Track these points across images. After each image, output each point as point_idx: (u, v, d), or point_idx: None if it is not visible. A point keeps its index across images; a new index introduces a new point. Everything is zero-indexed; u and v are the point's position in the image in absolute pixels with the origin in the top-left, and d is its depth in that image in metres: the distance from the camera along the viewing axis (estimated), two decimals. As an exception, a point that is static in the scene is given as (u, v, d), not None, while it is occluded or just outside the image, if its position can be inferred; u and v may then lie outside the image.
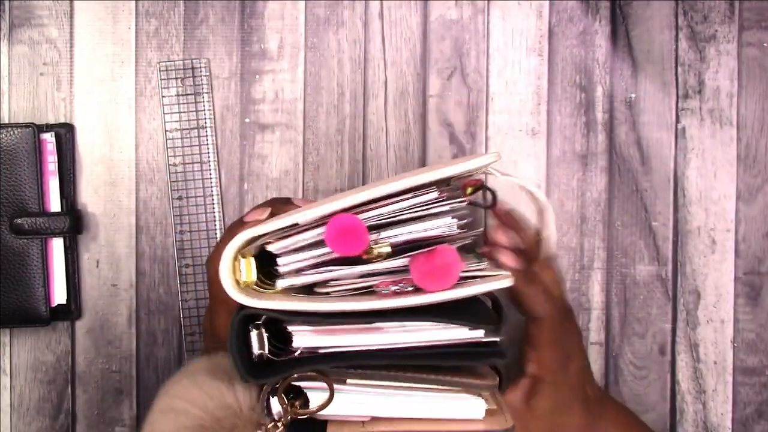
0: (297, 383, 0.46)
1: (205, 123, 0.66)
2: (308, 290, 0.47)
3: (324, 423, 0.47)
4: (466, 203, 0.48)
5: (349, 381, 0.46)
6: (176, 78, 0.66)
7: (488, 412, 0.47)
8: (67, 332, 0.66)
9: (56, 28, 0.66)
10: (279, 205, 0.52)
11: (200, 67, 0.66)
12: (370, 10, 0.66)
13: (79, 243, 0.66)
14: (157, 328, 0.66)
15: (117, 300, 0.66)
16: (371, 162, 0.66)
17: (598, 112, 0.66)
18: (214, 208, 0.65)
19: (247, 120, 0.66)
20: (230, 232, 0.51)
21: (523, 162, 0.66)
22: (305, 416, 0.45)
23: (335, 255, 0.45)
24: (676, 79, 0.66)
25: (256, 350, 0.45)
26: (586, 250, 0.66)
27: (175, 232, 0.65)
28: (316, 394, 0.46)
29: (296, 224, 0.45)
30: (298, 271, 0.46)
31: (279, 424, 0.44)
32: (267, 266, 0.47)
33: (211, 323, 0.54)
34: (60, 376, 0.66)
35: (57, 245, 0.64)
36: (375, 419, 0.47)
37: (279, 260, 0.46)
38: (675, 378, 0.66)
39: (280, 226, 0.45)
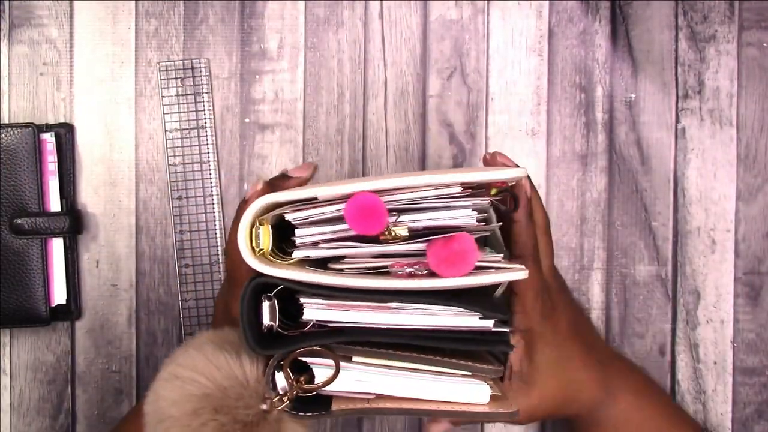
0: (303, 359, 0.46)
1: (205, 123, 0.66)
2: (322, 265, 0.47)
3: (329, 399, 0.47)
4: (488, 203, 0.48)
5: (354, 359, 0.46)
6: (176, 78, 0.66)
7: (492, 398, 0.47)
8: (67, 332, 0.66)
9: (56, 28, 0.66)
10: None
11: (200, 67, 0.66)
12: (369, 10, 0.66)
13: (79, 243, 0.66)
14: (157, 328, 0.66)
15: (117, 300, 0.66)
16: (371, 162, 0.66)
17: (598, 112, 0.66)
18: (214, 208, 0.65)
19: (246, 120, 0.66)
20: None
21: (523, 162, 0.66)
22: (310, 392, 0.45)
23: (352, 233, 0.45)
24: (676, 79, 0.66)
25: (266, 321, 0.45)
26: (586, 250, 0.66)
27: (175, 232, 0.66)
28: (321, 370, 0.46)
29: (315, 198, 0.45)
30: (314, 244, 0.46)
31: (284, 398, 0.44)
32: (280, 242, 0.48)
33: (229, 298, 0.53)
34: (60, 376, 0.66)
35: (57, 245, 0.64)
36: (380, 397, 0.47)
37: (297, 231, 0.46)
38: (675, 378, 0.66)
39: (300, 197, 0.45)
